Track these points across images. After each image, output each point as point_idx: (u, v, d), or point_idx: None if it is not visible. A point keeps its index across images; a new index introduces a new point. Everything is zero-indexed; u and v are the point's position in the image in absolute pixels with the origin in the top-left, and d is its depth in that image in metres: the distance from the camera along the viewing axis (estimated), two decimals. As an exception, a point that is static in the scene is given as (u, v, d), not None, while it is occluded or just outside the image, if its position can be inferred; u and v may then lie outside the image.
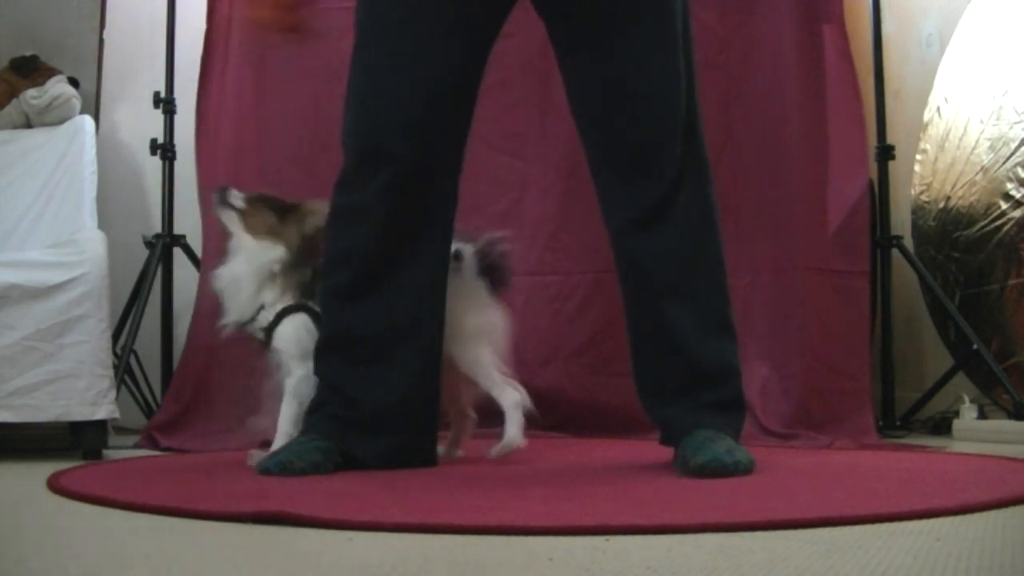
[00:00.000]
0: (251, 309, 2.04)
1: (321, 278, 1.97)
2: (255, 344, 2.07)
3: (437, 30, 1.85)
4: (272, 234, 2.07)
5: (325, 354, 1.94)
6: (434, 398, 1.95)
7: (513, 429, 2.03)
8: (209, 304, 2.86)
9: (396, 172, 1.86)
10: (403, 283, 1.90)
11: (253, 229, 2.08)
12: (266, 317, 2.03)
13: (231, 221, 2.11)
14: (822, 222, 2.84)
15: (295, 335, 2.01)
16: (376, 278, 1.89)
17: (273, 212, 2.10)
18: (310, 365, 1.95)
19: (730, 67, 2.89)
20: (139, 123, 3.21)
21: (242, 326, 2.06)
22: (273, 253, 2.05)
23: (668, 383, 1.84)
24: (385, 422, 1.90)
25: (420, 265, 1.92)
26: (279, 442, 1.95)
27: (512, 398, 2.05)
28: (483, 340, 2.04)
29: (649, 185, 1.84)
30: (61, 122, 3.02)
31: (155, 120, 3.01)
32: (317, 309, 1.99)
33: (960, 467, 1.94)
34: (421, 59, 1.85)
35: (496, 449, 2.03)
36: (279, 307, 2.03)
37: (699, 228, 1.87)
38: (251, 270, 2.05)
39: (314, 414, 1.92)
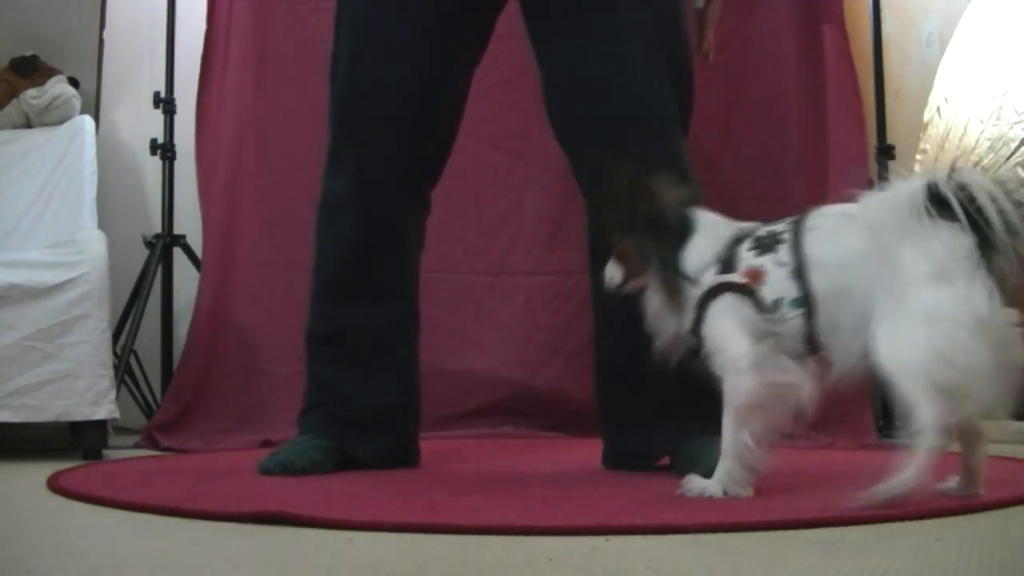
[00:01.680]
0: None
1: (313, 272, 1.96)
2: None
3: (428, 29, 1.85)
4: None
5: (315, 349, 1.94)
6: (419, 395, 1.98)
7: (909, 465, 1.32)
8: (209, 304, 2.87)
9: (377, 167, 1.87)
10: (390, 281, 1.92)
11: None
12: None
13: None
14: (822, 222, 2.84)
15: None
16: (362, 276, 1.90)
17: None
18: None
19: (730, 67, 2.89)
20: (139, 123, 3.20)
21: None
22: None
23: (658, 398, 1.81)
24: (384, 422, 1.91)
25: (405, 263, 1.93)
26: (724, 462, 1.47)
27: (928, 416, 1.32)
28: (928, 326, 1.31)
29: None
30: (61, 122, 3.02)
31: (155, 120, 3.01)
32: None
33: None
34: (411, 57, 1.84)
35: (876, 490, 1.31)
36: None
37: None
38: None
39: (311, 413, 1.92)
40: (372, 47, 1.86)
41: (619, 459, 1.87)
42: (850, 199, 1.43)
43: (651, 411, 1.81)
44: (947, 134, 3.01)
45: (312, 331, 1.95)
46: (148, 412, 2.83)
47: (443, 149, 1.93)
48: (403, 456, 1.93)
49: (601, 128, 1.78)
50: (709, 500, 1.44)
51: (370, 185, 1.87)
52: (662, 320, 1.54)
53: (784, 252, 1.44)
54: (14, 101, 3.05)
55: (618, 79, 1.78)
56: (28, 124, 3.06)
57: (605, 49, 1.79)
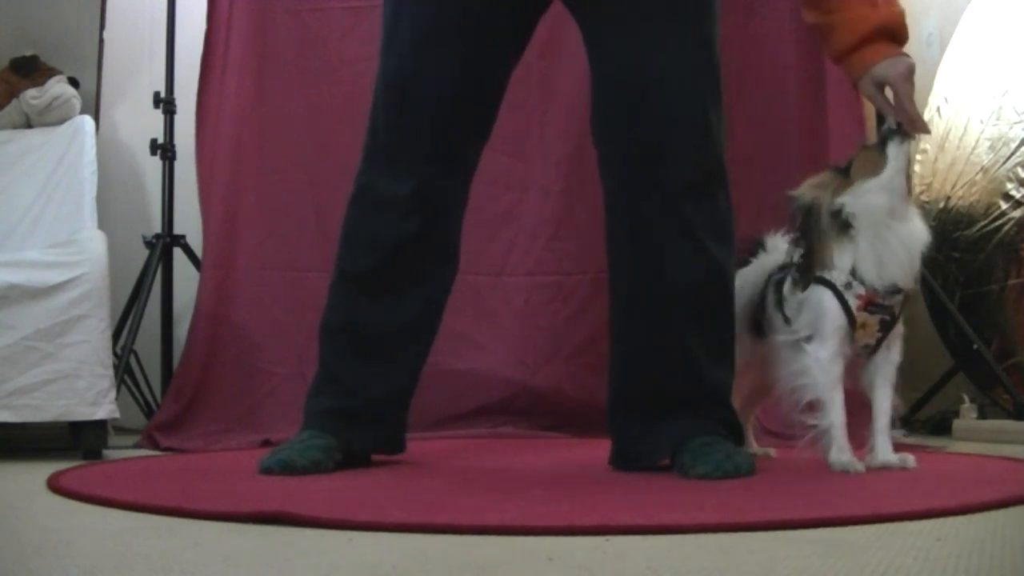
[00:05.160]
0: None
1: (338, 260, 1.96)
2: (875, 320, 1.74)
3: (478, 29, 1.84)
4: None
5: (330, 337, 1.95)
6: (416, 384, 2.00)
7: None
8: (209, 304, 2.87)
9: (423, 169, 1.88)
10: (419, 283, 1.93)
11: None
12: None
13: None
14: (822, 222, 2.84)
15: None
16: (395, 274, 1.91)
17: None
18: None
19: (730, 67, 2.89)
20: (139, 123, 3.20)
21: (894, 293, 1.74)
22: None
23: (668, 397, 1.81)
24: (388, 414, 1.95)
25: (437, 266, 1.95)
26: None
27: None
28: None
29: (675, 180, 1.79)
30: (61, 122, 3.02)
31: (155, 120, 3.01)
32: None
33: (960, 467, 1.94)
34: (454, 57, 1.84)
35: None
36: None
37: (720, 242, 1.85)
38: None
39: (316, 403, 1.93)
40: (423, 51, 1.85)
41: (626, 458, 1.87)
42: None
43: (659, 411, 1.81)
44: (947, 134, 3.01)
45: (329, 320, 1.95)
46: (148, 412, 2.83)
47: (485, 140, 1.96)
48: (392, 447, 1.97)
49: (646, 132, 1.79)
50: (709, 500, 1.44)
51: (430, 186, 1.89)
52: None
53: None
54: (14, 101, 3.05)
55: (672, 83, 1.78)
56: (28, 124, 3.06)
57: (659, 50, 1.78)
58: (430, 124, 1.86)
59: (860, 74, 1.84)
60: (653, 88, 1.77)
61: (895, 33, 1.81)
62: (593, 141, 1.89)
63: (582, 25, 1.90)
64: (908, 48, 1.86)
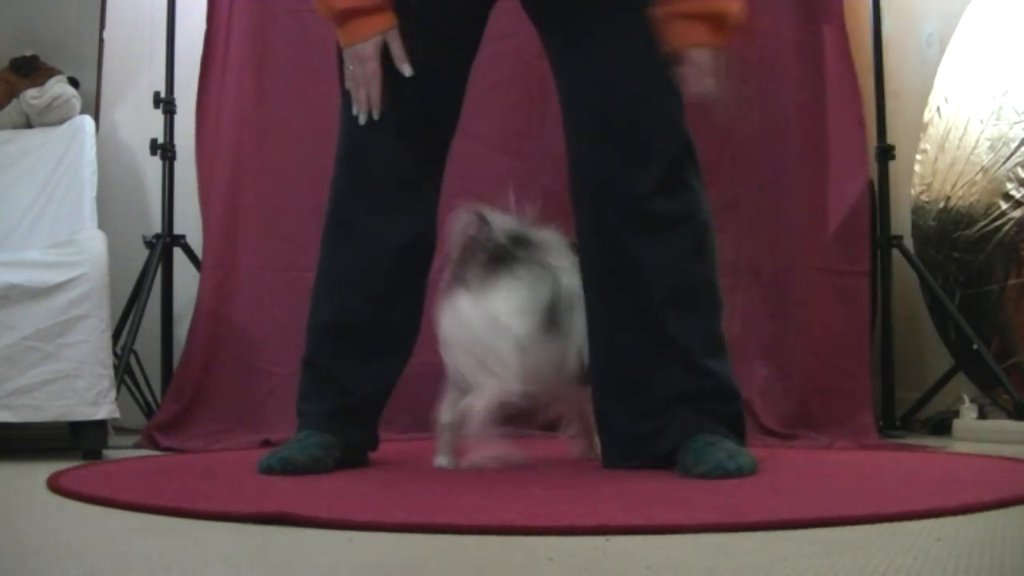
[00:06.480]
0: None
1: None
2: None
3: (426, 46, 1.85)
4: None
5: (323, 336, 1.95)
6: None
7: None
8: (209, 304, 2.87)
9: (425, 169, 1.93)
10: (415, 281, 1.95)
11: None
12: None
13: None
14: (822, 222, 2.84)
15: None
16: (395, 275, 1.92)
17: None
18: None
19: (730, 66, 2.89)
20: (139, 123, 3.21)
21: None
22: None
23: (665, 392, 1.79)
24: (372, 412, 1.96)
25: (427, 261, 1.97)
26: None
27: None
28: None
29: (646, 179, 1.80)
30: (61, 122, 3.02)
31: (155, 120, 3.01)
32: None
33: (960, 467, 1.94)
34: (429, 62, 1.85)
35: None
36: None
37: (702, 239, 1.85)
38: None
39: (310, 403, 1.93)
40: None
41: (623, 456, 1.86)
42: None
43: (655, 410, 1.80)
44: (947, 134, 3.01)
45: (320, 319, 1.95)
46: (148, 412, 2.83)
47: (454, 133, 2.00)
48: (376, 443, 2.00)
49: (615, 142, 1.81)
50: (709, 500, 1.44)
51: (424, 185, 1.94)
52: None
53: None
54: (14, 101, 3.05)
55: (634, 93, 1.80)
56: (28, 124, 3.07)
57: (620, 64, 1.80)
58: (393, 136, 1.91)
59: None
60: (623, 106, 1.79)
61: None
62: (568, 145, 1.89)
63: (546, 40, 1.91)
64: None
